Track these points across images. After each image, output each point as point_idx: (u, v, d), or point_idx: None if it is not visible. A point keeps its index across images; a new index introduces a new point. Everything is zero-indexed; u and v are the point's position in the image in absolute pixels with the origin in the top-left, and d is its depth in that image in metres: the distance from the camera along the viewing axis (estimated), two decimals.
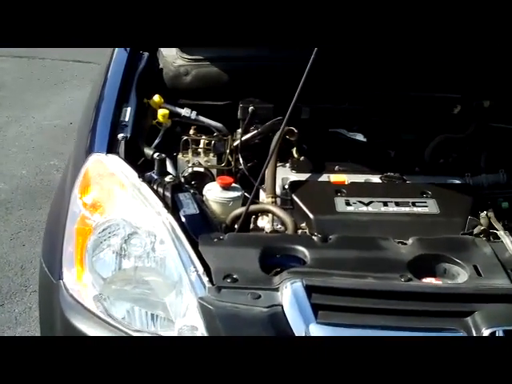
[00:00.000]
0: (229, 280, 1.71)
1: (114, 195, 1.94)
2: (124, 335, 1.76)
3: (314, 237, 1.88)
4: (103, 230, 1.89)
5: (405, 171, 2.32)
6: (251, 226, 2.11)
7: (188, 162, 2.28)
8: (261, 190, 2.29)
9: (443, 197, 2.16)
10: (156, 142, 2.31)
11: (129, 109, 2.25)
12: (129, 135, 2.14)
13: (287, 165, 2.36)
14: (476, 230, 2.01)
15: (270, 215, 2.07)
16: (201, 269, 1.74)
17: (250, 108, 2.44)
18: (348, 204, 2.12)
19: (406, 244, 1.87)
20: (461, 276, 1.79)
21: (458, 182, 2.31)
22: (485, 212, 2.15)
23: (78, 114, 2.76)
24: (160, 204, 1.86)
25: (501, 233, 1.95)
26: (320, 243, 1.85)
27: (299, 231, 2.05)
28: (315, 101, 2.49)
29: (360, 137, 2.55)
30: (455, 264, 1.81)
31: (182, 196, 1.94)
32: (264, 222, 2.15)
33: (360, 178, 2.28)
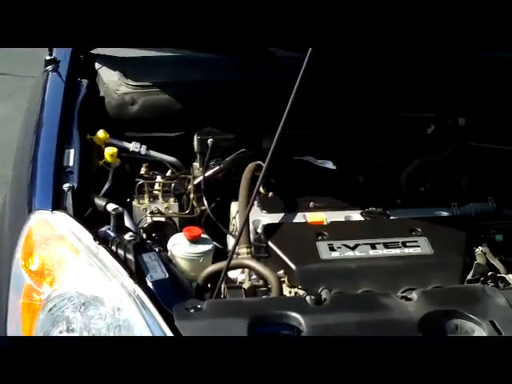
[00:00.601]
0: None
1: (66, 262, 1.64)
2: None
3: (307, 297, 1.62)
4: (54, 305, 1.59)
5: (386, 204, 2.09)
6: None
7: (145, 209, 1.99)
8: (228, 236, 2.03)
9: (434, 233, 1.94)
10: (106, 187, 2.00)
11: (72, 151, 1.93)
12: (76, 184, 1.82)
13: (255, 203, 2.09)
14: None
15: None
16: None
17: (210, 140, 2.17)
18: (332, 249, 1.87)
19: (410, 300, 1.64)
20: (476, 333, 1.58)
21: (445, 213, 2.09)
22: (480, 248, 1.95)
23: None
24: (123, 272, 1.57)
25: (510, 277, 1.74)
26: (314, 306, 1.59)
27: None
28: (277, 128, 2.24)
29: (329, 164, 2.30)
30: (468, 320, 1.59)
31: (146, 257, 1.64)
32: (237, 274, 1.89)
33: (339, 216, 2.04)
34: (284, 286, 1.84)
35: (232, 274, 1.90)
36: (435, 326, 1.57)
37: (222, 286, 1.80)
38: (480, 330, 1.57)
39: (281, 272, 1.85)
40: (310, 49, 1.53)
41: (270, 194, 2.13)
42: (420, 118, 2.40)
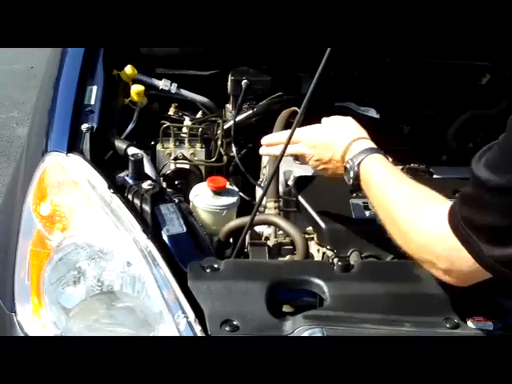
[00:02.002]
0: (227, 328, 1.34)
1: (78, 209, 1.53)
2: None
3: (334, 261, 1.50)
4: (66, 253, 1.50)
5: (430, 161, 1.94)
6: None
7: (169, 154, 1.86)
8: (257, 187, 1.90)
9: None
10: (129, 128, 1.88)
11: (94, 88, 1.81)
12: (95, 125, 1.70)
13: None
14: None
15: None
16: (191, 314, 1.37)
17: (244, 81, 2.02)
18: (367, 208, 1.73)
19: None
20: None
21: None
22: None
23: (40, 56, 2.29)
24: (136, 225, 1.46)
25: None
26: (341, 273, 1.47)
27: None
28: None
29: (373, 112, 2.15)
30: (508, 298, 1.45)
31: (164, 209, 1.53)
32: (263, 228, 1.77)
33: None
34: (312, 243, 1.72)
35: (258, 228, 1.79)
36: (471, 303, 1.44)
37: (246, 242, 1.70)
38: None
39: (310, 228, 1.73)
40: None
41: None
42: (474, 66, 2.21)
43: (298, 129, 1.55)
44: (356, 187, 1.49)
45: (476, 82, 2.23)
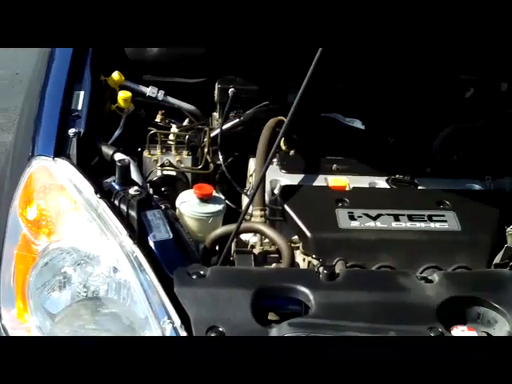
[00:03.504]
0: (213, 334, 1.35)
1: (64, 214, 1.53)
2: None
3: (320, 269, 1.50)
4: (52, 258, 1.49)
5: (414, 172, 1.95)
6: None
7: (156, 161, 1.86)
8: (243, 195, 1.91)
9: (463, 208, 1.80)
10: (116, 134, 1.88)
11: (82, 93, 1.80)
12: (82, 130, 1.70)
13: (274, 160, 1.96)
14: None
15: None
16: (177, 320, 1.37)
17: (231, 90, 2.03)
18: (352, 218, 1.74)
19: (431, 282, 1.51)
20: (499, 324, 1.46)
21: (478, 186, 1.95)
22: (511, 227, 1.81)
23: (25, 62, 2.27)
24: (123, 230, 1.46)
25: None
26: (326, 282, 1.47)
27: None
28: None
29: (358, 124, 2.15)
30: (492, 309, 1.47)
31: (150, 215, 1.53)
32: (249, 236, 1.78)
33: (363, 182, 1.90)
34: (298, 252, 1.73)
35: (244, 237, 1.79)
36: (455, 313, 1.46)
37: (232, 250, 1.70)
38: (503, 321, 1.45)
39: (295, 237, 1.74)
40: None
41: (292, 152, 2.00)
42: (459, 80, 2.23)
43: None
44: None
45: (460, 96, 2.25)
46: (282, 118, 1.93)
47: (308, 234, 1.69)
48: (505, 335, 1.43)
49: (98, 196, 1.51)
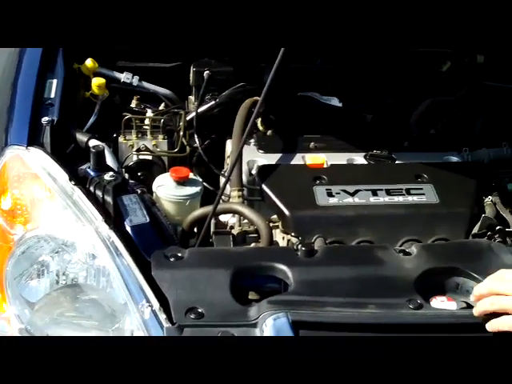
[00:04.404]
0: (193, 316, 1.34)
1: (39, 203, 1.52)
2: None
3: (299, 247, 1.50)
4: (28, 246, 1.49)
5: (392, 147, 1.95)
6: (213, 220, 1.74)
7: (132, 146, 1.86)
8: (221, 177, 1.90)
9: (441, 180, 1.80)
10: (91, 120, 1.87)
11: (54, 81, 1.80)
12: (56, 118, 1.70)
13: (252, 141, 1.96)
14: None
15: None
16: (156, 303, 1.36)
17: (206, 72, 2.02)
18: (330, 195, 1.73)
19: (409, 254, 1.51)
20: None
21: (455, 159, 1.95)
22: (490, 198, 1.81)
23: None
24: (99, 217, 1.45)
25: None
26: (305, 259, 1.47)
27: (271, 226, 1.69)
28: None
29: (335, 101, 2.15)
30: (470, 278, 1.47)
31: (126, 200, 1.53)
32: (228, 217, 1.78)
33: (341, 158, 1.90)
34: (277, 231, 1.73)
35: (223, 218, 1.79)
36: (433, 284, 1.46)
37: (211, 231, 1.70)
38: None
39: (274, 217, 1.74)
40: None
41: (269, 132, 2.00)
42: (435, 53, 2.23)
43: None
44: None
45: (437, 70, 2.25)
46: (258, 98, 1.92)
47: (286, 212, 1.69)
48: None
49: (73, 183, 1.51)
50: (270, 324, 1.32)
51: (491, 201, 1.81)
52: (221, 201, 1.77)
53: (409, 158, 1.92)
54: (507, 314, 1.26)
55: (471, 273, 1.46)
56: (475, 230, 1.66)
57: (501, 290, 1.28)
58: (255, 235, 1.67)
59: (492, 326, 1.29)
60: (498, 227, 1.65)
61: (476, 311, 1.33)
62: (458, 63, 2.24)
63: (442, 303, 1.42)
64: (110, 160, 1.67)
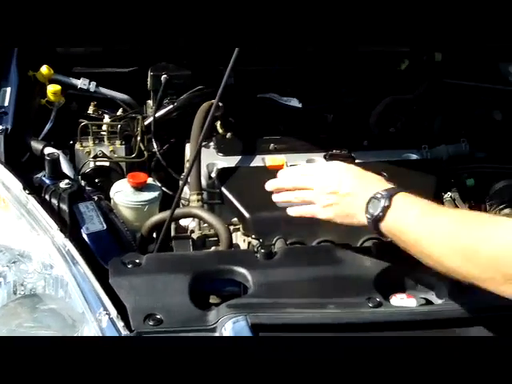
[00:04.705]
0: (151, 322, 1.32)
1: None
2: None
3: (259, 249, 1.50)
4: None
5: (352, 146, 1.95)
6: (173, 225, 1.73)
7: (89, 153, 1.84)
8: (181, 182, 1.89)
9: (401, 178, 1.79)
10: (46, 128, 1.85)
11: (8, 89, 1.78)
12: (10, 126, 1.68)
13: (211, 144, 1.95)
14: None
15: None
16: (114, 311, 1.35)
17: (163, 77, 2.01)
18: None
19: (369, 253, 1.51)
20: (437, 289, 1.46)
21: (414, 156, 1.96)
22: (449, 193, 1.83)
23: None
24: (54, 225, 1.43)
25: None
26: (264, 261, 1.47)
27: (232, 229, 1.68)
28: (239, 63, 2.07)
29: (295, 102, 2.15)
30: (429, 274, 1.47)
31: (83, 207, 1.51)
32: (189, 221, 1.76)
33: (301, 159, 1.90)
34: (238, 234, 1.72)
35: (183, 222, 1.78)
36: (393, 281, 1.46)
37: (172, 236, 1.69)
38: (440, 285, 1.45)
39: (235, 219, 1.73)
40: None
41: (229, 134, 1.99)
42: (393, 52, 2.24)
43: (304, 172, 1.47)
44: (377, 221, 1.33)
45: (395, 68, 2.26)
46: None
47: (246, 214, 1.69)
48: (445, 299, 1.43)
49: (27, 192, 1.49)
50: (230, 328, 1.31)
51: (450, 197, 1.83)
52: (181, 205, 1.77)
53: (368, 157, 1.92)
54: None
55: (430, 269, 1.47)
56: None
57: (304, 186, 1.45)
58: (215, 239, 1.66)
59: (295, 211, 1.49)
60: None
61: (278, 199, 1.51)
62: (417, 61, 2.25)
63: (401, 300, 1.42)
64: (65, 167, 1.65)
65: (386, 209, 1.31)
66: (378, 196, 1.33)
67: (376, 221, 1.33)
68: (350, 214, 1.40)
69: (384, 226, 1.33)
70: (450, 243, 1.23)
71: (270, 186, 1.53)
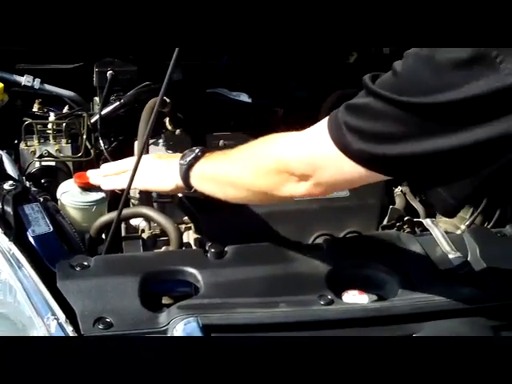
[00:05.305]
0: (101, 326, 1.30)
1: None
2: None
3: (209, 249, 1.48)
4: None
5: None
6: (123, 225, 1.71)
7: (34, 152, 1.79)
8: None
9: None
10: None
11: None
12: None
13: (160, 141, 1.92)
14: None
15: None
16: (62, 315, 1.32)
17: (109, 72, 1.97)
18: None
19: (320, 249, 1.51)
20: (388, 284, 1.47)
21: None
22: (399, 188, 1.84)
23: None
24: None
25: (427, 222, 1.62)
26: (214, 260, 1.45)
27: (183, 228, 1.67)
28: (187, 57, 2.04)
29: (245, 97, 2.13)
30: (380, 270, 1.48)
31: (28, 209, 1.47)
32: (139, 221, 1.74)
33: None
34: (190, 232, 1.71)
35: (134, 221, 1.75)
36: (345, 278, 1.46)
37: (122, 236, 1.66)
38: (392, 281, 1.46)
39: (186, 218, 1.71)
40: None
41: (178, 131, 1.96)
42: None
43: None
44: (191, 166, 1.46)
45: (344, 61, 2.26)
46: (164, 98, 1.88)
47: (197, 213, 1.67)
48: (396, 296, 1.44)
49: None
50: (181, 329, 1.29)
51: (401, 191, 1.84)
52: (131, 204, 1.74)
53: None
54: None
55: (381, 265, 1.48)
56: (385, 221, 1.68)
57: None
58: (166, 238, 1.64)
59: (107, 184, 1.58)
60: (406, 218, 1.67)
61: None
62: (365, 54, 2.25)
63: (353, 297, 1.42)
64: (9, 168, 1.61)
65: (199, 156, 1.46)
66: (193, 149, 1.48)
67: (189, 166, 1.45)
68: (165, 175, 1.51)
69: (196, 170, 1.45)
70: (246, 166, 1.40)
71: (93, 179, 1.62)
